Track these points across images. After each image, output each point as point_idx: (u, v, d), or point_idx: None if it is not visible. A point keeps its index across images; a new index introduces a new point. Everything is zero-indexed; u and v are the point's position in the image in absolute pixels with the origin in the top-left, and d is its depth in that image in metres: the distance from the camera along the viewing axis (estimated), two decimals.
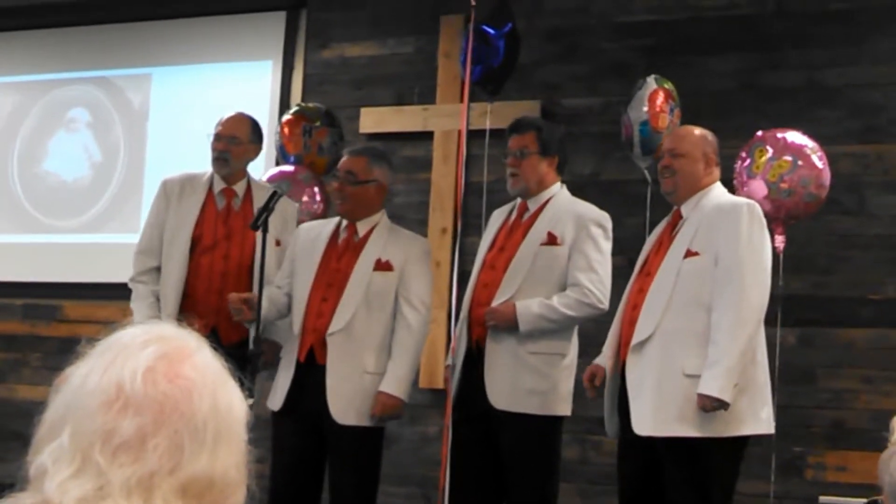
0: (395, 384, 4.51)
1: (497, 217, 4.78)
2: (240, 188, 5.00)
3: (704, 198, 4.18)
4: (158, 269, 4.89)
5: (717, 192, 4.23)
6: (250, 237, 4.84)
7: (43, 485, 1.29)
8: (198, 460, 1.31)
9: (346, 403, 4.48)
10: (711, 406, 3.89)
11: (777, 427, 5.07)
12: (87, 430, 1.30)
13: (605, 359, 4.29)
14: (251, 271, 4.82)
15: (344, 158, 4.81)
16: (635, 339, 4.06)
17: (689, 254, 4.07)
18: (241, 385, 1.40)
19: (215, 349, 1.42)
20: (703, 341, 3.97)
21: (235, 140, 4.97)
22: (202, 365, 1.37)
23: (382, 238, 4.68)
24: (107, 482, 1.28)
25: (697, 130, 4.35)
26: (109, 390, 1.32)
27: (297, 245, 4.80)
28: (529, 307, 4.43)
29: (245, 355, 4.28)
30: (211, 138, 4.98)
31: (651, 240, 4.32)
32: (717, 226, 4.07)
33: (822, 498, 5.01)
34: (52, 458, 1.30)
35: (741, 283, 3.96)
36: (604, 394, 4.25)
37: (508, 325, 4.43)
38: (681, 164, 4.21)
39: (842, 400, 5.41)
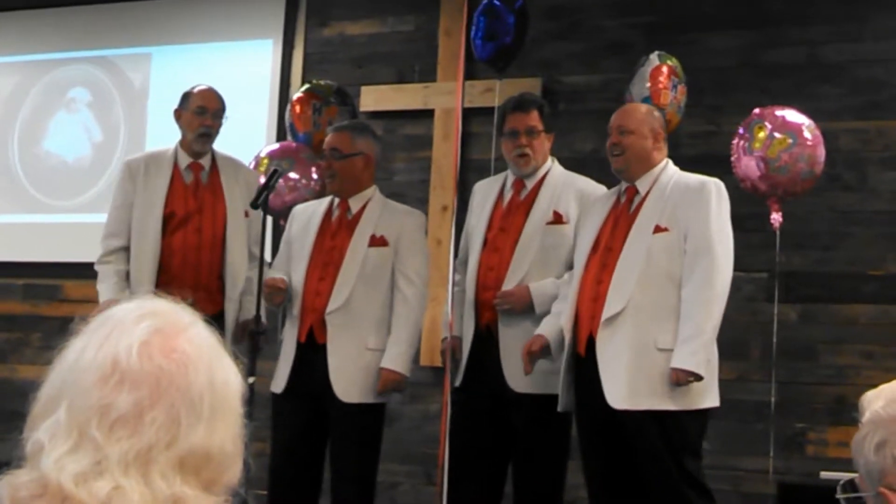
0: (396, 360, 4.51)
1: (485, 190, 4.74)
2: (206, 161, 4.97)
3: (662, 174, 4.23)
4: (126, 250, 4.85)
5: (672, 169, 4.27)
6: (221, 210, 4.86)
7: (40, 461, 1.29)
8: (195, 434, 1.31)
9: (349, 381, 4.48)
10: (686, 380, 3.95)
11: (778, 403, 5.12)
12: (84, 406, 1.30)
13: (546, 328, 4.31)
14: (224, 243, 4.84)
15: (328, 136, 4.78)
16: (606, 314, 4.06)
17: (658, 229, 4.10)
18: (236, 359, 1.40)
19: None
20: (674, 315, 4.02)
21: (220, 115, 4.97)
22: (197, 339, 1.37)
23: (376, 213, 4.65)
24: (104, 457, 1.27)
25: (644, 107, 4.40)
26: (105, 365, 1.32)
27: (293, 227, 4.79)
28: (546, 289, 4.42)
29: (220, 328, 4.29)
30: (199, 114, 4.91)
31: (600, 216, 4.29)
32: (685, 203, 4.11)
33: (823, 474, 5.01)
34: (48, 434, 1.30)
35: (713, 259, 4.02)
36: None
37: (524, 308, 4.42)
38: (630, 141, 4.24)
39: (843, 376, 5.41)
